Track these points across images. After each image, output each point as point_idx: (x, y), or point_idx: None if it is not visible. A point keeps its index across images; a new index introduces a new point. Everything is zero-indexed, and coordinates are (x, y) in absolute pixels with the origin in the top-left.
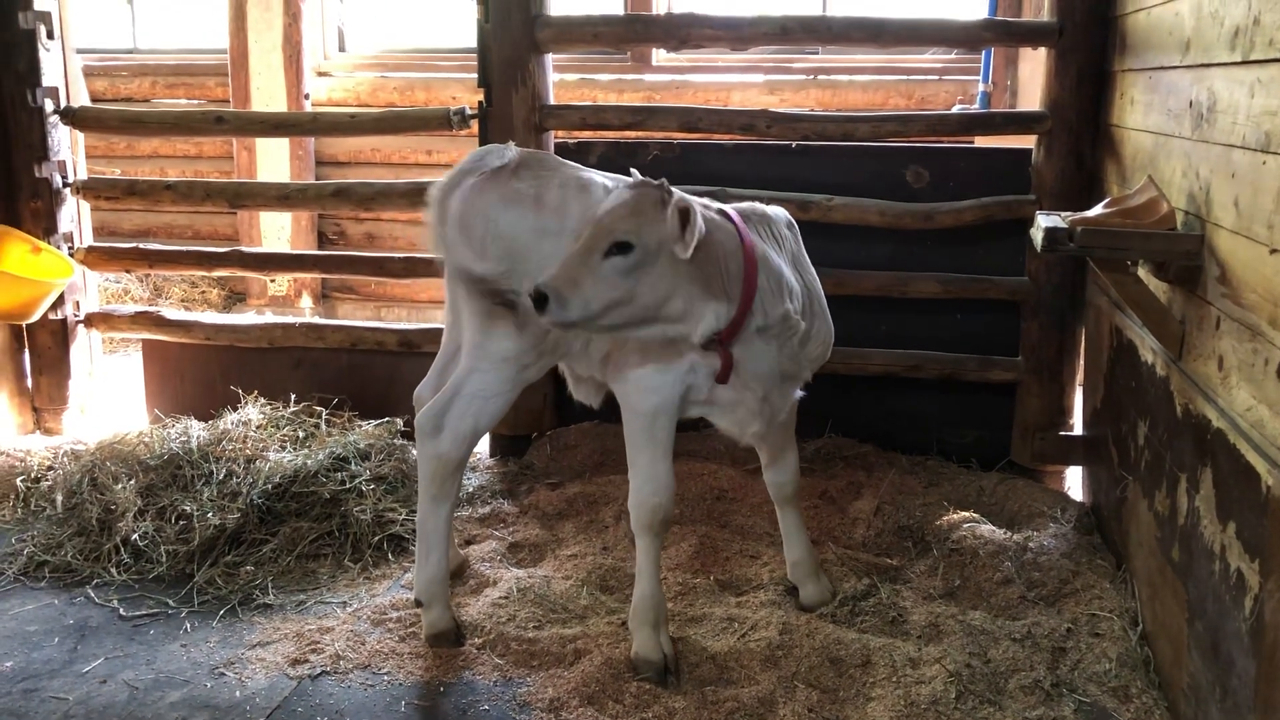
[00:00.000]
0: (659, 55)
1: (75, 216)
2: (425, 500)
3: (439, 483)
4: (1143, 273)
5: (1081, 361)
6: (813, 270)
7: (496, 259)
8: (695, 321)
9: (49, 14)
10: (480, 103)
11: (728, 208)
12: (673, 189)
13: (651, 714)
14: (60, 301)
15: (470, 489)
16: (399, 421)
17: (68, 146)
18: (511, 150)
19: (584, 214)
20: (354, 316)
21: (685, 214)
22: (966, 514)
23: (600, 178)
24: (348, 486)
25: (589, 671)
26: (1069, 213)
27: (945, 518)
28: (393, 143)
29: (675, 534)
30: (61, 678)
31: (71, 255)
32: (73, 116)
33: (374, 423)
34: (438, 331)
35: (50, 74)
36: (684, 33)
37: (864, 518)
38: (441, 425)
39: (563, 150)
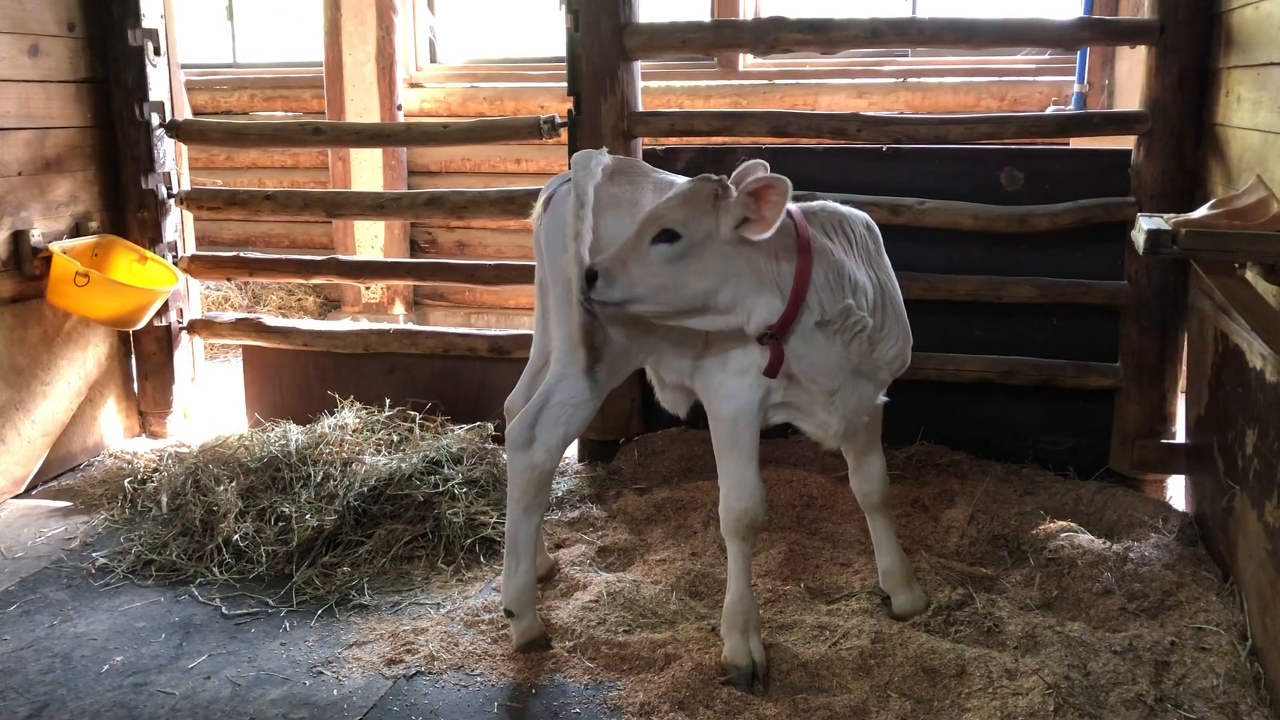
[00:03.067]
0: (745, 60)
1: (179, 226)
2: (516, 511)
3: (532, 493)
4: (1251, 275)
5: (1184, 367)
6: (891, 272)
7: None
8: (745, 313)
9: (156, 31)
10: (569, 111)
11: (790, 205)
12: (729, 184)
13: None
14: (164, 309)
15: (559, 493)
16: (490, 426)
17: (172, 158)
18: (606, 155)
19: None
20: (445, 323)
21: (761, 195)
22: (1064, 523)
23: (680, 180)
24: (441, 490)
25: (679, 676)
26: (1172, 214)
27: (1042, 527)
28: (482, 152)
29: (764, 541)
30: (168, 673)
31: (175, 264)
32: (177, 130)
33: (466, 427)
34: (527, 338)
35: (157, 89)
36: (772, 37)
37: (958, 526)
38: (534, 436)
39: (651, 156)
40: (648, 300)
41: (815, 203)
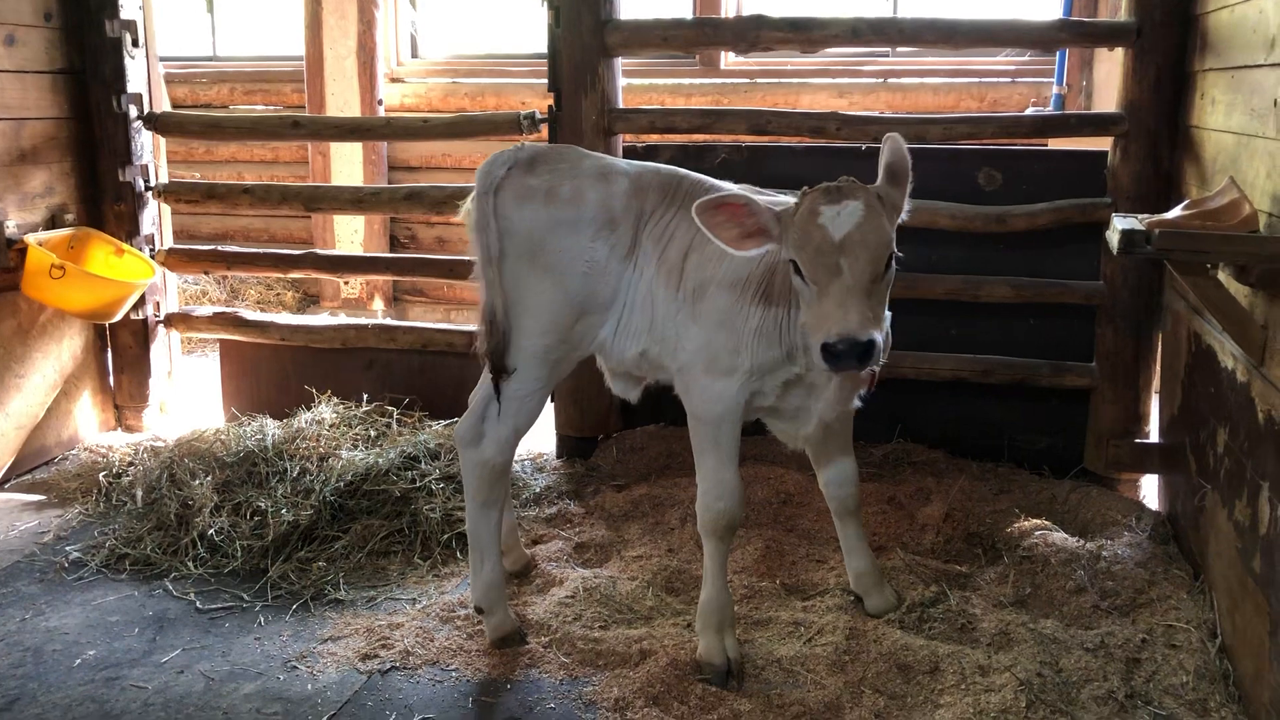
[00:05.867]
0: (727, 59)
1: (156, 219)
2: (474, 508)
3: (486, 489)
4: (1223, 276)
5: (1158, 367)
6: None
7: (515, 257)
8: None
9: (134, 22)
10: (550, 107)
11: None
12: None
13: (716, 716)
14: (141, 302)
15: (537, 490)
16: None
17: (150, 151)
18: (525, 150)
19: (602, 202)
20: (424, 319)
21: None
22: (1038, 521)
23: (624, 164)
24: (418, 485)
25: (654, 672)
26: (1146, 215)
27: (1016, 525)
28: (463, 147)
29: (741, 537)
30: (141, 667)
31: (153, 257)
32: (155, 122)
33: (443, 423)
34: None
35: (135, 81)
36: (753, 35)
37: (933, 524)
38: (483, 431)
39: (631, 153)
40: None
41: (787, 198)
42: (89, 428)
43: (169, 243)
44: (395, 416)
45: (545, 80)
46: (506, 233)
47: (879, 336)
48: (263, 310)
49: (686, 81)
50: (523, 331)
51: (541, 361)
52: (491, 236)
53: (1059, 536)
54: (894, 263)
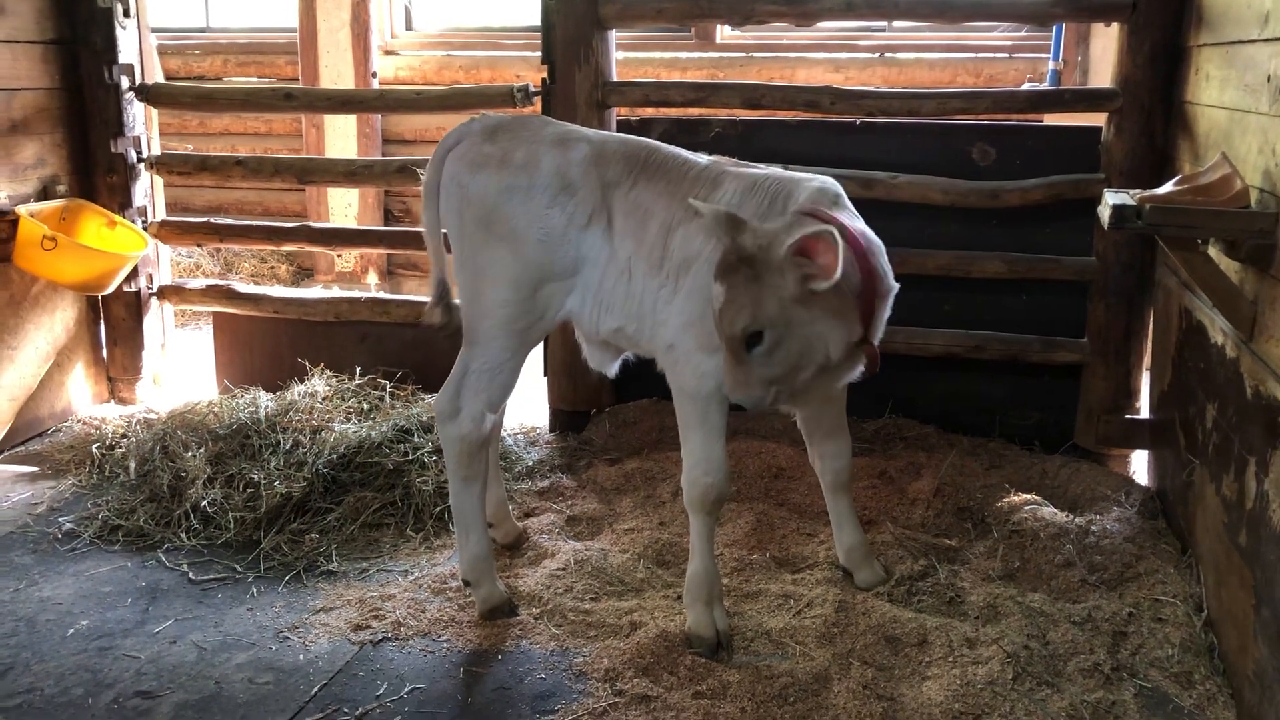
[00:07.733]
0: (723, 32)
1: (149, 191)
2: (456, 482)
3: (466, 463)
4: (1213, 252)
5: (1149, 343)
6: None
7: (472, 226)
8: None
9: None
10: (544, 80)
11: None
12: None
13: (706, 687)
14: (134, 274)
15: (529, 463)
16: None
17: (142, 123)
18: (486, 118)
19: (558, 168)
20: (418, 293)
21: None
22: (1028, 496)
23: (588, 132)
24: (410, 458)
25: (644, 643)
26: (1138, 190)
27: (1006, 500)
28: (456, 120)
29: (732, 511)
30: (134, 637)
31: (145, 229)
32: (147, 93)
33: (436, 396)
34: None
35: (126, 52)
36: (748, 8)
37: (923, 498)
38: (459, 406)
39: (624, 127)
40: (783, 383)
41: (811, 187)
42: (82, 400)
43: (162, 215)
44: (388, 390)
45: (540, 53)
46: (465, 201)
47: (752, 395)
48: (256, 283)
49: (681, 55)
50: (485, 302)
51: (507, 332)
52: (432, 210)
53: (1048, 511)
54: (756, 343)
